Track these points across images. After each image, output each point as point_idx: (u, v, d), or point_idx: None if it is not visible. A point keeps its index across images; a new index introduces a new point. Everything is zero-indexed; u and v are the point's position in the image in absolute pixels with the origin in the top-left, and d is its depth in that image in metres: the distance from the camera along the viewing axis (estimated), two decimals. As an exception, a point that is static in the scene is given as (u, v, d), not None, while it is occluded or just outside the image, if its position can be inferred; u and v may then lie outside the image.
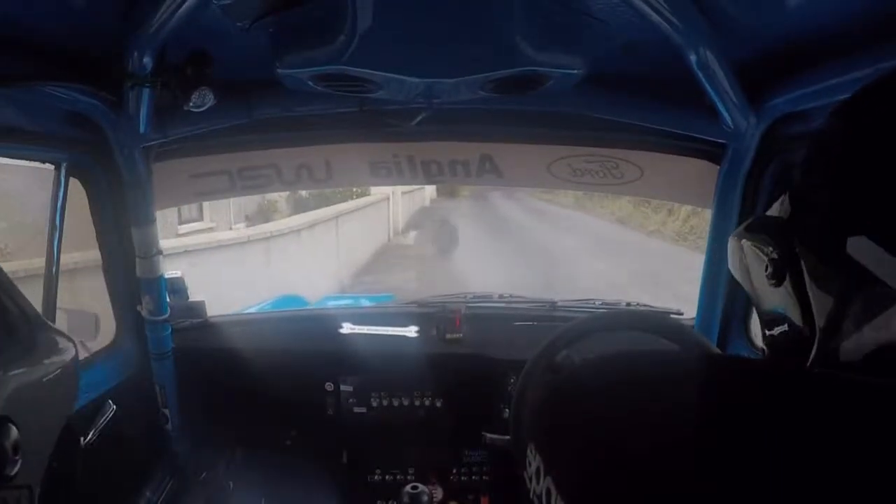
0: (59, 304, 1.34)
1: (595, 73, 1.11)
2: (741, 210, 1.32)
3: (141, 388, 1.58)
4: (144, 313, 1.48)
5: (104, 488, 1.33)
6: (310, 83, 1.09)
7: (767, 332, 0.56)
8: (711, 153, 1.40)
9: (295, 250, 7.86)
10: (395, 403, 1.60)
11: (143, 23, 0.90)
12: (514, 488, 1.49)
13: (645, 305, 1.87)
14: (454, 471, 1.62)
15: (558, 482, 0.47)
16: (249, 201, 12.14)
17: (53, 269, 1.33)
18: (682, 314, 1.68)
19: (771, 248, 0.52)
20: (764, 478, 0.40)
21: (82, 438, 1.25)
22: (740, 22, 0.92)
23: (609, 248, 11.64)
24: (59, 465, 0.99)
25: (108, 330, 1.58)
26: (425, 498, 1.37)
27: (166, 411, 1.58)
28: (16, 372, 0.82)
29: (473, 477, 1.62)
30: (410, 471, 1.61)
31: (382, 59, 0.99)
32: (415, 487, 1.38)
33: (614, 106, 1.30)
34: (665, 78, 1.15)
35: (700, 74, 1.01)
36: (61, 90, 1.01)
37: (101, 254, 1.47)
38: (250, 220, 11.63)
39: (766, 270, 0.53)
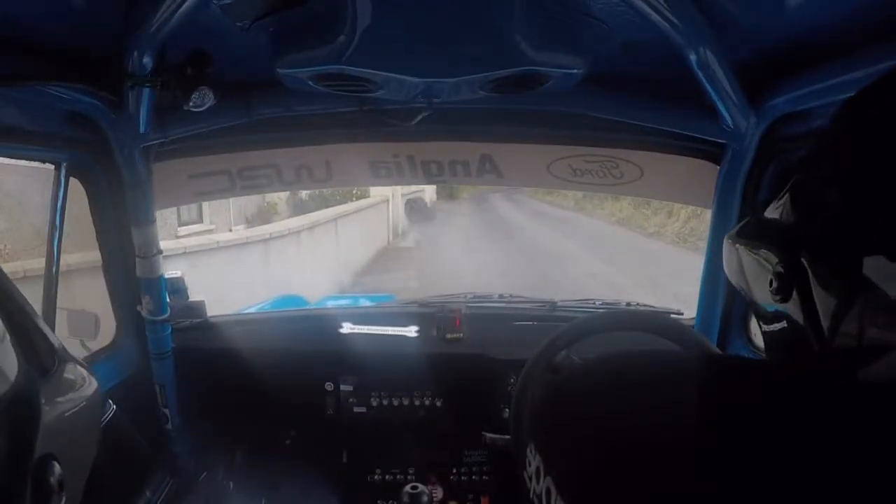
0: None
1: (595, 73, 1.11)
2: (741, 210, 1.32)
3: (141, 387, 1.58)
4: (144, 313, 1.48)
5: (104, 488, 1.33)
6: (310, 83, 1.09)
7: (765, 328, 0.55)
8: (711, 153, 1.40)
9: (294, 252, 7.86)
10: (395, 403, 1.60)
11: (143, 23, 0.90)
12: (514, 488, 1.49)
13: (645, 305, 1.87)
14: (454, 471, 1.62)
15: (558, 482, 0.47)
16: (249, 203, 12.14)
17: (53, 270, 1.33)
18: (682, 314, 1.68)
19: (776, 261, 0.48)
20: (764, 478, 0.40)
21: None
22: (740, 22, 0.92)
23: (609, 249, 11.64)
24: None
25: (107, 330, 1.58)
26: (425, 498, 1.37)
27: (166, 411, 1.58)
28: (52, 408, 0.81)
29: (473, 477, 1.62)
30: (410, 471, 1.61)
31: (382, 58, 0.99)
32: (415, 487, 1.38)
33: (614, 106, 1.30)
34: (665, 78, 1.15)
35: (700, 74, 1.01)
36: (61, 90, 1.01)
37: (101, 254, 1.47)
38: (250, 221, 11.63)
39: (771, 286, 0.49)
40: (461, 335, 1.65)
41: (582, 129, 1.48)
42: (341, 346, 1.65)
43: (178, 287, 1.65)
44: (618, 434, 0.48)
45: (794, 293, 0.47)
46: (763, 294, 0.51)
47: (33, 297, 1.01)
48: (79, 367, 0.97)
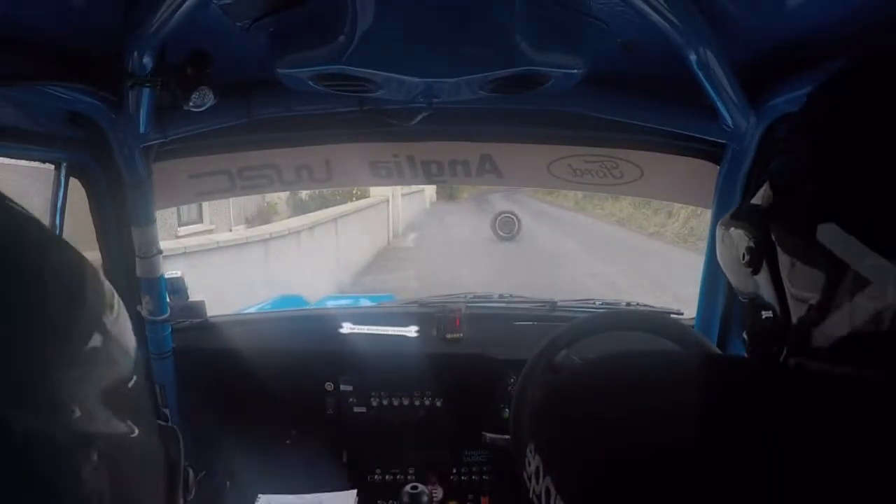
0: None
1: (595, 73, 1.11)
2: None
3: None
4: (144, 313, 1.48)
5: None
6: (310, 83, 1.09)
7: (748, 323, 0.56)
8: (711, 153, 1.40)
9: (294, 252, 7.86)
10: (395, 403, 1.60)
11: (143, 23, 0.90)
12: (514, 488, 1.49)
13: (645, 305, 1.87)
14: (454, 471, 1.62)
15: (558, 482, 0.47)
16: (249, 203, 12.14)
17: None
18: (682, 314, 1.68)
19: (749, 236, 0.51)
20: (763, 478, 0.40)
21: None
22: (740, 22, 0.92)
23: (609, 249, 11.64)
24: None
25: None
26: (425, 498, 1.37)
27: (166, 411, 1.58)
28: None
29: (473, 477, 1.62)
30: (410, 471, 1.61)
31: (382, 58, 0.99)
32: (415, 487, 1.38)
33: (614, 106, 1.30)
34: (665, 78, 1.15)
35: (700, 74, 1.01)
36: (61, 90, 1.01)
37: (102, 254, 1.47)
38: (250, 222, 11.64)
39: (744, 258, 0.52)
40: (461, 335, 1.65)
41: (582, 129, 1.48)
42: (341, 346, 1.65)
43: (178, 287, 1.65)
44: (617, 434, 0.48)
45: (765, 266, 0.50)
46: (739, 274, 0.54)
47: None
48: None
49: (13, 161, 1.26)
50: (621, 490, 0.44)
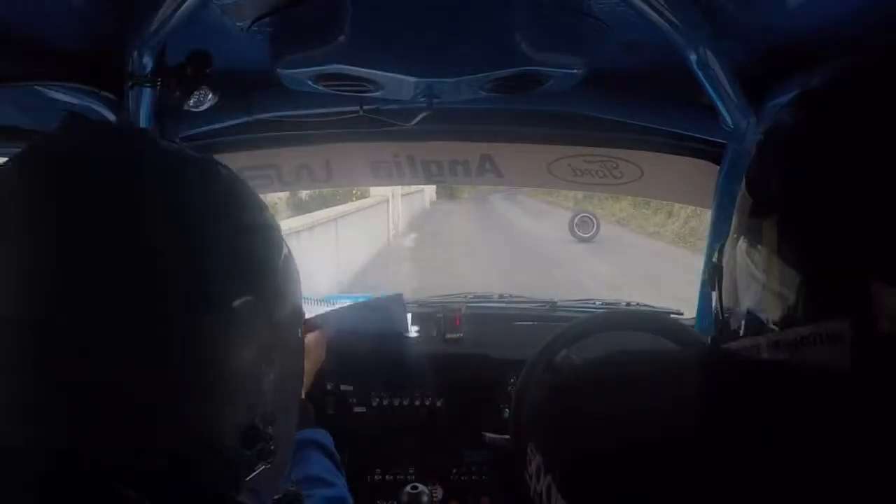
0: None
1: (595, 73, 1.11)
2: None
3: None
4: (144, 313, 1.48)
5: None
6: (310, 83, 1.09)
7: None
8: (711, 153, 1.40)
9: (294, 252, 7.84)
10: (395, 403, 1.60)
11: (143, 23, 0.90)
12: (515, 488, 1.49)
13: (645, 305, 1.87)
14: (454, 471, 1.62)
15: (558, 481, 0.47)
16: (249, 203, 12.10)
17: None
18: (682, 314, 1.68)
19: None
20: (763, 478, 0.40)
21: None
22: (740, 22, 0.92)
23: (608, 249, 11.64)
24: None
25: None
26: (425, 498, 1.37)
27: None
28: None
29: (473, 477, 1.62)
30: (410, 471, 1.61)
31: (382, 58, 0.99)
32: (415, 487, 1.37)
33: (614, 106, 1.30)
34: (665, 78, 1.15)
35: (700, 74, 1.01)
36: (61, 90, 1.01)
37: None
38: (250, 221, 11.62)
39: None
40: (461, 335, 1.65)
41: (582, 129, 1.48)
42: (341, 346, 1.64)
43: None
44: (618, 434, 0.48)
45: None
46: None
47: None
48: None
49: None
50: (621, 489, 0.45)
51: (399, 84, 1.07)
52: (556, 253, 11.11)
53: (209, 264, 0.43)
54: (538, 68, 1.03)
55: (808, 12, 0.84)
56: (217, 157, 1.63)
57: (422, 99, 1.17)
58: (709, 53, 0.96)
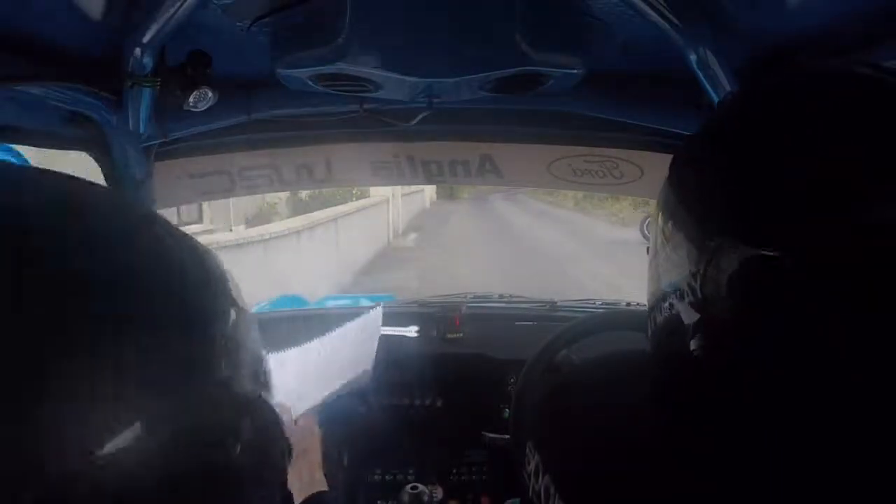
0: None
1: (595, 73, 1.11)
2: None
3: None
4: (144, 313, 1.48)
5: None
6: (310, 83, 1.09)
7: None
8: None
9: (294, 252, 7.85)
10: (396, 403, 1.60)
11: (143, 23, 0.90)
12: (514, 488, 1.49)
13: (645, 305, 1.87)
14: (454, 471, 1.62)
15: (557, 480, 0.47)
16: (249, 203, 12.12)
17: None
18: None
19: None
20: (763, 477, 0.40)
21: None
22: (740, 22, 0.92)
23: (608, 249, 11.64)
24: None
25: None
26: (425, 498, 1.37)
27: None
28: None
29: (473, 477, 1.61)
30: (410, 471, 1.61)
31: (382, 58, 0.99)
32: (415, 487, 1.37)
33: (614, 106, 1.30)
34: (665, 78, 1.15)
35: (700, 74, 1.01)
36: (61, 90, 1.01)
37: None
38: (250, 222, 11.62)
39: None
40: (461, 335, 1.65)
41: (582, 129, 1.48)
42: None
43: (178, 287, 1.65)
44: (617, 433, 0.48)
45: None
46: None
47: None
48: None
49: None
50: (620, 488, 0.45)
51: (399, 84, 1.07)
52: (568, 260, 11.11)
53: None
54: (538, 68, 1.03)
55: (808, 12, 0.84)
56: (217, 157, 1.62)
57: (422, 99, 1.17)
58: (709, 53, 0.96)
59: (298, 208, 12.56)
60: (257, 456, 0.38)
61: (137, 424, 0.29)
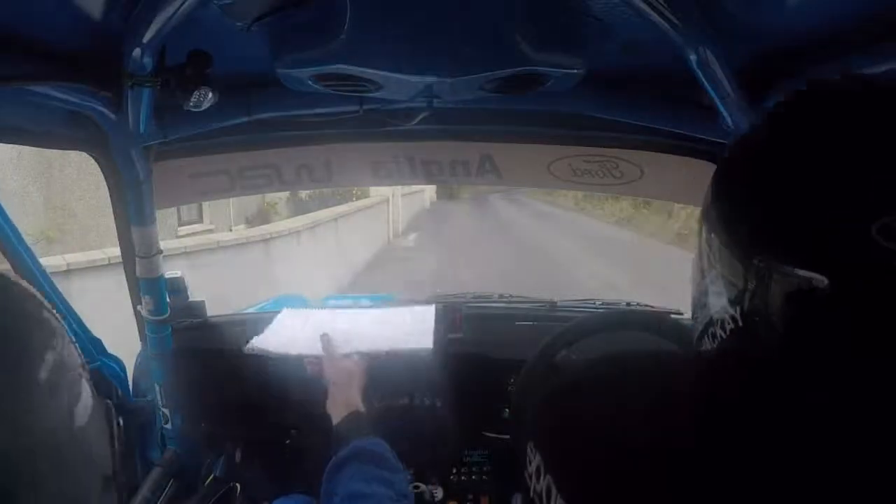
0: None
1: (595, 73, 1.11)
2: None
3: (140, 388, 1.57)
4: (144, 313, 1.48)
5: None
6: (310, 83, 1.09)
7: None
8: (711, 153, 1.40)
9: (295, 252, 7.86)
10: (396, 403, 1.60)
11: (143, 23, 0.90)
12: (515, 488, 1.49)
13: (645, 305, 1.87)
14: (454, 471, 1.62)
15: (558, 480, 0.47)
16: (249, 203, 12.13)
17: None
18: (682, 314, 1.68)
19: None
20: (762, 477, 0.40)
21: None
22: (740, 22, 0.92)
23: (608, 248, 11.64)
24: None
25: (109, 330, 1.58)
26: (426, 498, 1.37)
27: (166, 411, 1.58)
28: None
29: (473, 477, 1.62)
30: (410, 471, 1.61)
31: (382, 58, 0.99)
32: (415, 487, 1.37)
33: (614, 106, 1.30)
34: (665, 78, 1.15)
35: (700, 74, 1.01)
36: (61, 90, 1.01)
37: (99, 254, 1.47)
38: (250, 221, 11.63)
39: None
40: (461, 335, 1.65)
41: (582, 129, 1.48)
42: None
43: (178, 287, 1.65)
44: (617, 433, 0.48)
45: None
46: None
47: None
48: None
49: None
50: (620, 489, 0.45)
51: (399, 84, 1.07)
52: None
53: None
54: (538, 68, 1.03)
55: (809, 12, 0.84)
56: (217, 157, 1.62)
57: (422, 99, 1.17)
58: (709, 53, 0.96)
59: (298, 208, 12.57)
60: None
61: None
